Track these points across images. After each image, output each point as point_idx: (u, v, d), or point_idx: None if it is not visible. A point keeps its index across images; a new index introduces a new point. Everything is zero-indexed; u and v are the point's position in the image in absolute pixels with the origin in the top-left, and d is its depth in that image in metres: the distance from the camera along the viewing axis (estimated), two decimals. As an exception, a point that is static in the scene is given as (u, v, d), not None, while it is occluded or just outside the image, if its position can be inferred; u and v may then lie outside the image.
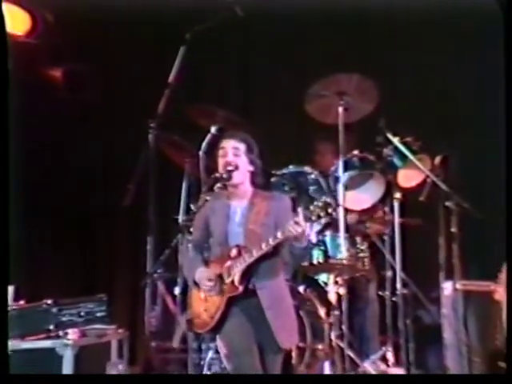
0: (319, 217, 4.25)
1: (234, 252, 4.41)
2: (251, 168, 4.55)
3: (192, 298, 4.57)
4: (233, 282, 4.39)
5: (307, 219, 4.23)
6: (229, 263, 4.40)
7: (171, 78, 6.11)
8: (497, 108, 6.16)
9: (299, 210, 4.26)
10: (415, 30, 6.74)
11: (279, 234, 4.28)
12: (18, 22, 6.90)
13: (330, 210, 4.24)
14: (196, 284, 4.51)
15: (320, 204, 4.25)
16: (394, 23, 6.77)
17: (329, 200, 4.34)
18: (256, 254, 4.34)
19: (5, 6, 6.45)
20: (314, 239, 5.85)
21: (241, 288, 4.36)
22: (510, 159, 4.21)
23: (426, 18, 6.58)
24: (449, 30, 6.65)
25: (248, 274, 4.38)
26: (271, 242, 4.30)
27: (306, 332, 5.59)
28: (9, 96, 4.21)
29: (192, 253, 4.60)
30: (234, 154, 4.49)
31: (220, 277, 4.42)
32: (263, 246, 4.33)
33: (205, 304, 4.49)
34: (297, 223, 4.21)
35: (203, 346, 5.50)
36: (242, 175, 4.52)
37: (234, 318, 4.42)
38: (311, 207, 4.26)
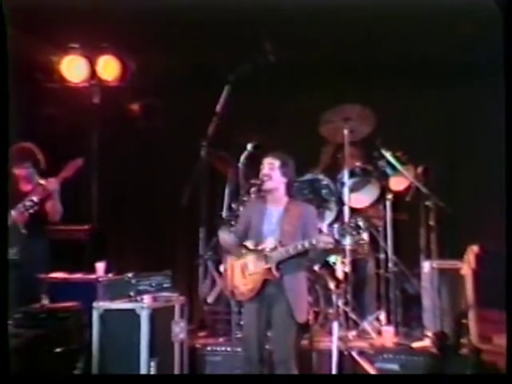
0: (351, 235, 4.73)
1: (271, 244, 4.84)
2: (284, 180, 4.96)
3: (232, 272, 5.02)
4: (270, 268, 4.82)
5: (340, 235, 4.67)
6: (266, 252, 4.85)
7: (218, 108, 6.72)
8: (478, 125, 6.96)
9: (335, 229, 4.66)
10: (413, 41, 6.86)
11: (314, 241, 4.67)
12: (109, 70, 7.63)
13: (360, 231, 4.64)
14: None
15: (352, 224, 4.65)
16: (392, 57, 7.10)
17: (360, 222, 4.63)
18: (292, 251, 4.74)
19: (102, 58, 7.46)
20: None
21: (277, 275, 4.81)
22: (509, 160, 4.31)
23: (424, 29, 6.65)
24: (447, 34, 6.68)
25: (281, 264, 4.83)
26: (307, 245, 4.70)
27: (319, 300, 6.33)
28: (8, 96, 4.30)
29: (234, 240, 5.03)
30: (269, 168, 4.96)
31: (256, 261, 4.89)
32: (299, 246, 4.70)
33: (245, 279, 4.93)
34: (328, 236, 4.71)
35: (242, 310, 5.49)
36: (275, 184, 4.94)
37: (254, 304, 4.88)
38: (345, 226, 4.66)
